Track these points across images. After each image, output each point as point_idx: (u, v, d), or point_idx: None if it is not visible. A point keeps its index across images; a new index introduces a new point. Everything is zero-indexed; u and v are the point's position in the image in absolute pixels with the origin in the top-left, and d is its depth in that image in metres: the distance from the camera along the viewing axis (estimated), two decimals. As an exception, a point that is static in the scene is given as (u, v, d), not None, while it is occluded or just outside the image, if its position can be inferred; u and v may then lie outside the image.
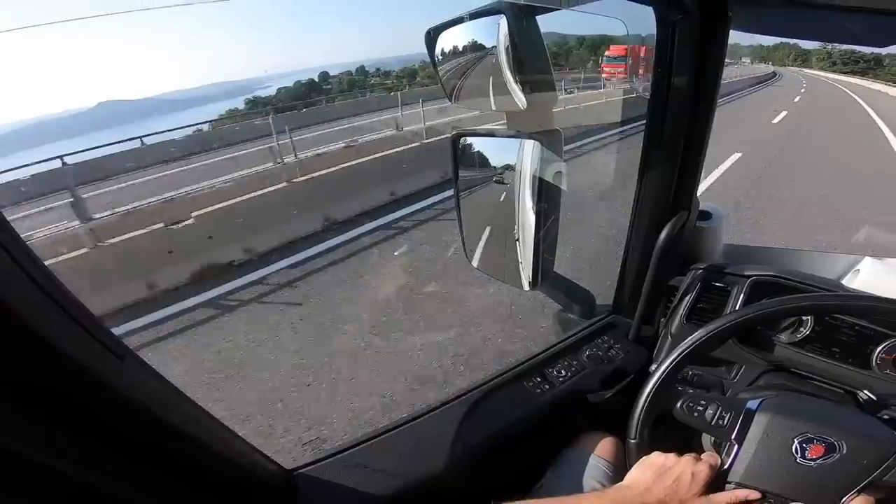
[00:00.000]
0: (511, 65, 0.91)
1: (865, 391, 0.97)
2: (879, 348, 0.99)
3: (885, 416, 0.95)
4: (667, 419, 0.86)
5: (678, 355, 0.82)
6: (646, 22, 0.93)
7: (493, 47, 0.92)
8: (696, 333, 0.84)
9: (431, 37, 0.93)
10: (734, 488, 0.77)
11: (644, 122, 1.05)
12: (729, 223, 1.31)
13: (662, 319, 1.21)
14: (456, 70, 0.96)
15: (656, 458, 0.81)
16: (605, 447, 1.04)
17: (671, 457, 0.80)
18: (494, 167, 1.03)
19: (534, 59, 0.94)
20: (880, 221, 5.25)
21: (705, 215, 1.24)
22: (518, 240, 1.04)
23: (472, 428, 1.01)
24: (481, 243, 1.13)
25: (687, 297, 1.13)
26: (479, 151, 1.05)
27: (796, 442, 0.76)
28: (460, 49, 0.94)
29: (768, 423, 0.78)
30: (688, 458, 0.80)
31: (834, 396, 1.00)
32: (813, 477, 0.74)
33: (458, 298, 4.02)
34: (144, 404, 0.49)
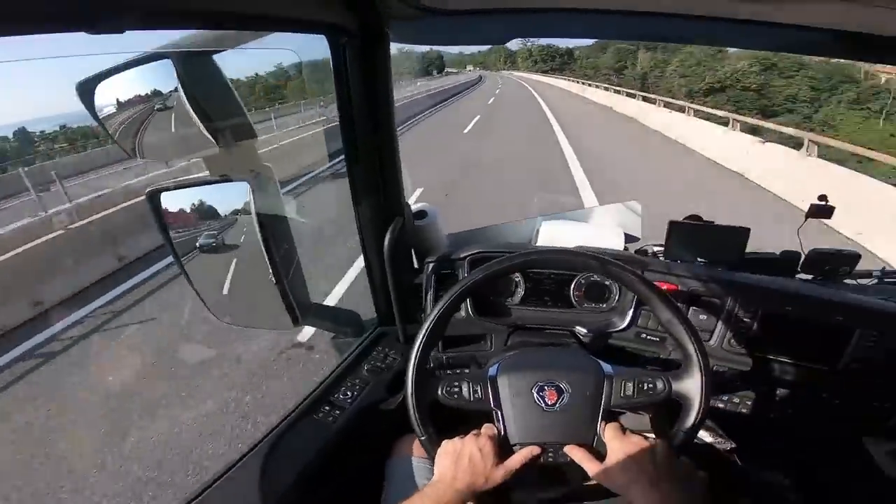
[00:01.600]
0: (195, 108, 0.85)
1: (578, 327, 1.17)
2: (572, 288, 1.21)
3: (598, 345, 1.16)
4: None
5: (416, 350, 0.86)
6: (319, 48, 0.96)
7: (171, 92, 0.86)
8: (421, 327, 0.89)
9: (85, 90, 0.81)
10: (519, 449, 0.83)
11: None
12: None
13: (422, 314, 1.29)
14: (131, 122, 0.86)
15: (447, 445, 0.84)
16: (418, 447, 1.06)
17: (457, 441, 0.84)
18: (214, 216, 0.96)
19: (219, 100, 0.90)
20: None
21: (422, 215, 1.36)
22: (274, 281, 1.00)
23: (277, 475, 0.95)
24: (230, 296, 1.06)
25: (430, 291, 1.23)
26: (194, 203, 0.96)
27: (534, 393, 0.84)
28: (130, 99, 0.84)
29: (509, 382, 0.86)
30: (470, 437, 0.84)
31: (562, 339, 1.19)
32: (562, 419, 0.82)
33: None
34: None
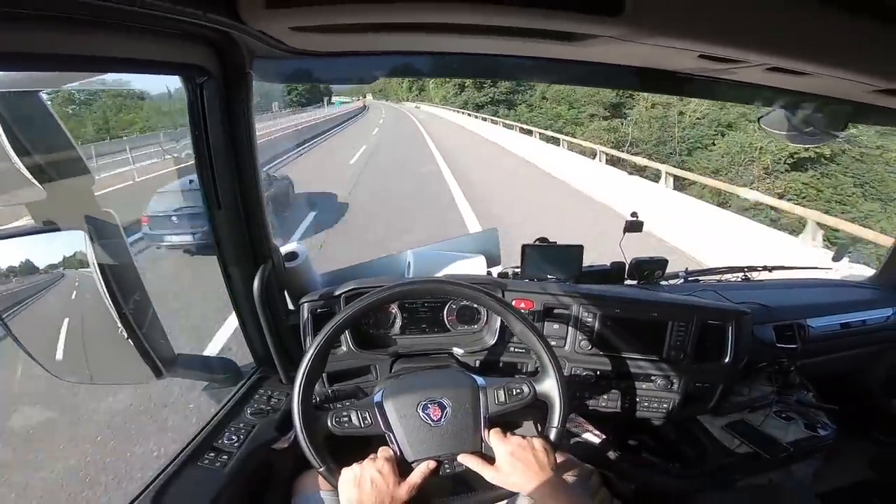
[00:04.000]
0: (16, 148, 0.76)
1: (455, 348, 1.26)
2: (444, 313, 1.30)
3: (474, 363, 1.25)
4: None
5: (298, 385, 0.87)
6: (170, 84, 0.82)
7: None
8: (300, 364, 0.90)
9: None
10: (416, 465, 0.87)
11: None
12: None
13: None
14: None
15: (346, 473, 0.85)
16: (323, 481, 1.04)
17: (355, 467, 0.86)
18: (41, 269, 0.85)
19: (45, 139, 0.82)
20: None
21: (293, 256, 1.33)
22: (126, 335, 0.91)
23: None
24: (73, 354, 0.95)
25: (308, 330, 1.22)
26: (15, 258, 0.84)
27: (419, 412, 0.90)
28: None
29: (394, 405, 0.91)
30: (368, 462, 0.87)
31: (442, 361, 1.25)
32: (449, 432, 0.89)
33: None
34: None
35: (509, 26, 0.64)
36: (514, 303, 1.22)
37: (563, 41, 0.69)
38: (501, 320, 1.23)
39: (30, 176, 0.77)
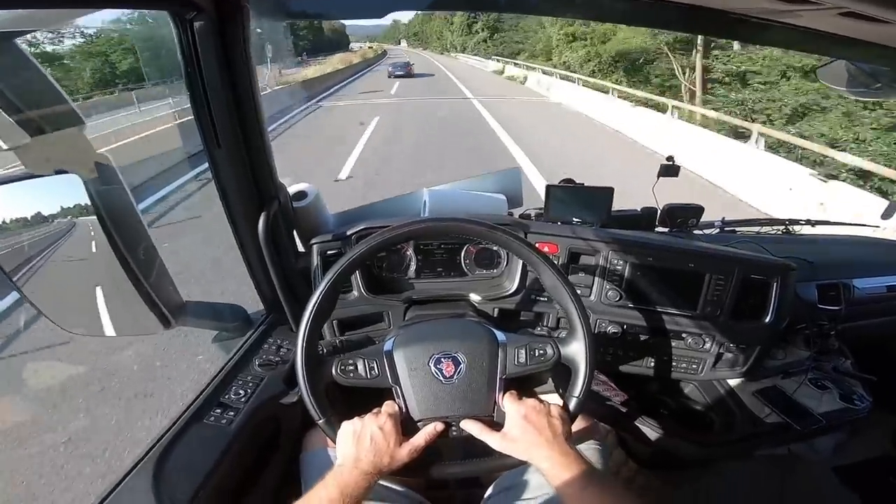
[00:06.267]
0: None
1: (472, 294, 1.19)
2: (462, 256, 1.24)
3: (493, 311, 1.20)
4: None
5: (304, 329, 0.82)
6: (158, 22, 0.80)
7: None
8: (306, 306, 0.84)
9: None
10: (423, 424, 0.82)
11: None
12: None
13: None
14: None
15: (346, 427, 0.81)
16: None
17: (356, 421, 0.81)
18: (43, 216, 0.83)
19: (27, 85, 0.77)
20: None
21: (301, 196, 1.27)
22: (133, 283, 0.89)
23: (172, 491, 0.84)
24: (79, 305, 0.95)
25: (318, 273, 1.17)
26: (14, 203, 0.82)
27: (431, 366, 0.83)
28: None
29: (405, 357, 0.84)
30: (370, 416, 0.81)
31: (458, 308, 1.19)
32: (461, 391, 0.82)
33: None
34: None
35: None
36: (537, 246, 1.16)
37: None
38: (523, 265, 1.16)
39: (13, 123, 0.73)
